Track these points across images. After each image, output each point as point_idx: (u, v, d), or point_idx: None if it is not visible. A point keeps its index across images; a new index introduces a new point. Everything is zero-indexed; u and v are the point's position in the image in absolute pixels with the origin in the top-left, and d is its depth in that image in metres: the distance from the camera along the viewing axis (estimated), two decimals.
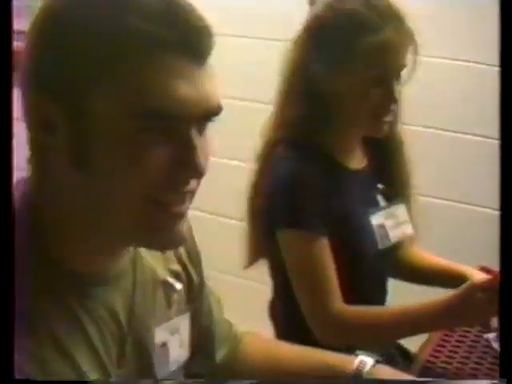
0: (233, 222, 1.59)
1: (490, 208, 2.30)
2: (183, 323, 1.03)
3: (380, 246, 1.53)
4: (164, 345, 0.97)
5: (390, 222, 1.57)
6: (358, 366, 1.09)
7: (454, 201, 2.51)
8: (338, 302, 1.45)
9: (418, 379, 1.13)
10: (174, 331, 1.00)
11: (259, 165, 1.56)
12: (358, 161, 1.60)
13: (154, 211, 0.81)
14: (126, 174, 0.78)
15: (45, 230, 0.84)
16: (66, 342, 0.82)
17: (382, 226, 1.55)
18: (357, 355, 1.12)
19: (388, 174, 1.62)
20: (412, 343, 1.61)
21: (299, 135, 1.50)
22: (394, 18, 1.42)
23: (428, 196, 2.34)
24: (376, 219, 1.54)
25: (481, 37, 2.24)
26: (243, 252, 1.64)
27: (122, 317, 0.91)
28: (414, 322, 1.42)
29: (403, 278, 1.74)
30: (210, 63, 0.81)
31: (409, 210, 1.64)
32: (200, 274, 1.10)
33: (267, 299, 1.69)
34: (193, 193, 0.85)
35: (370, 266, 1.54)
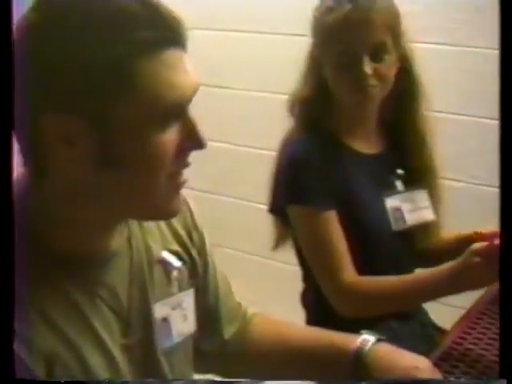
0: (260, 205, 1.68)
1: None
2: (186, 299, 1.08)
3: (394, 228, 1.58)
4: (165, 319, 1.03)
5: (407, 206, 1.62)
6: (361, 343, 1.13)
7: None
8: (349, 273, 1.51)
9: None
10: (176, 306, 1.06)
11: (279, 148, 1.66)
12: (372, 146, 1.65)
13: (169, 185, 0.91)
14: (150, 161, 0.87)
15: (42, 222, 0.90)
16: (60, 322, 0.88)
17: (397, 209, 1.60)
18: (361, 334, 1.16)
19: (409, 160, 1.66)
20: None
21: (309, 116, 1.59)
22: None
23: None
24: (391, 202, 1.59)
25: (480, 22, 2.29)
26: (271, 234, 1.74)
27: (122, 294, 0.97)
28: (423, 288, 1.49)
29: (424, 263, 1.74)
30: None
31: (431, 195, 1.67)
32: (203, 254, 1.15)
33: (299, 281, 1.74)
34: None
35: (383, 246, 1.59)
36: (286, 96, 1.66)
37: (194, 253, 1.12)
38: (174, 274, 1.06)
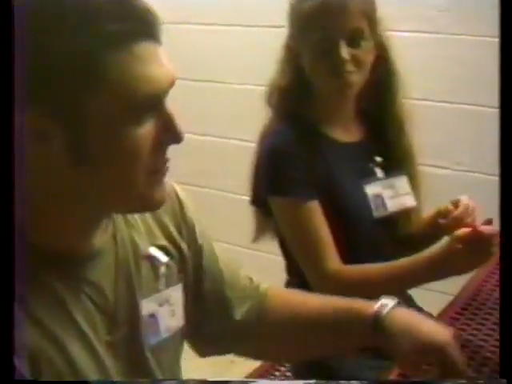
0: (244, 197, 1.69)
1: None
2: (174, 294, 1.07)
3: (375, 214, 1.59)
4: (152, 315, 1.03)
5: (388, 193, 1.63)
6: (379, 308, 1.11)
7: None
8: (333, 261, 1.52)
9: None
10: (164, 302, 1.05)
11: (258, 139, 1.65)
12: (351, 134, 1.66)
13: (149, 178, 0.90)
14: (126, 157, 0.86)
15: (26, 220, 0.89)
16: (45, 318, 0.87)
17: (378, 196, 1.60)
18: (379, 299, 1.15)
19: (387, 147, 1.67)
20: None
21: (287, 106, 1.60)
22: None
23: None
24: (371, 189, 1.60)
25: (480, 9, 2.28)
26: (252, 226, 1.73)
27: (108, 291, 0.96)
28: (407, 275, 1.50)
29: (406, 249, 1.70)
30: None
31: (411, 181, 1.68)
32: (193, 244, 1.13)
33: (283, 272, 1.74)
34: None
35: (365, 234, 1.60)
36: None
37: (184, 245, 1.11)
38: (162, 269, 1.04)
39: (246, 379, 1.47)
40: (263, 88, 1.67)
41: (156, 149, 0.89)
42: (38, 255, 0.88)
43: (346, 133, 1.65)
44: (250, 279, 1.24)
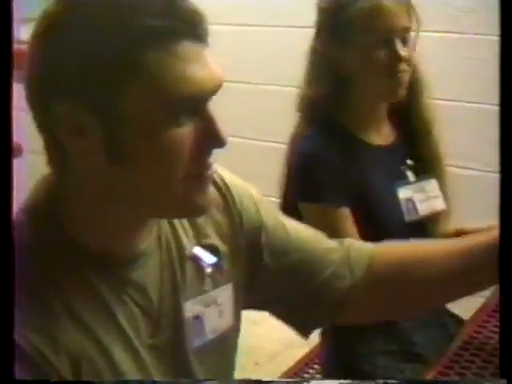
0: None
1: None
2: (223, 294, 1.04)
3: (407, 219, 1.57)
4: (197, 317, 1.00)
5: (419, 196, 1.61)
6: None
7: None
8: None
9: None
10: (210, 303, 1.02)
11: (288, 144, 1.64)
12: (383, 137, 1.64)
13: (189, 183, 0.87)
14: (162, 159, 0.84)
15: (69, 220, 0.89)
16: (87, 319, 0.86)
17: (409, 199, 1.58)
18: None
19: (417, 150, 1.65)
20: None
21: (321, 113, 1.57)
22: None
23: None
24: (403, 192, 1.58)
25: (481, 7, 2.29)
26: None
27: (153, 294, 0.95)
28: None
29: None
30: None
31: (441, 185, 1.67)
32: (257, 227, 1.08)
33: None
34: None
35: (396, 238, 1.58)
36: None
37: (241, 240, 1.07)
38: (208, 270, 1.02)
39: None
40: (290, 89, 1.66)
41: (196, 152, 0.86)
42: (82, 255, 0.88)
43: (379, 136, 1.64)
44: (359, 249, 1.16)
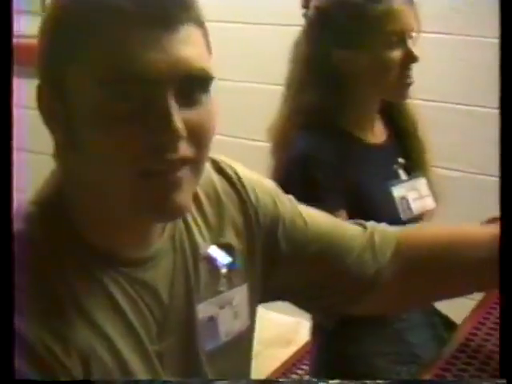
0: None
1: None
2: (238, 295, 0.99)
3: (403, 217, 1.55)
4: (211, 319, 0.96)
5: (412, 195, 1.60)
6: None
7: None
8: None
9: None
10: (225, 304, 0.98)
11: (276, 147, 1.58)
12: (377, 135, 1.62)
13: (147, 181, 0.79)
14: (108, 147, 0.77)
15: (77, 216, 0.86)
16: (98, 320, 0.83)
17: (404, 198, 1.57)
18: None
19: (406, 149, 1.65)
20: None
21: (315, 120, 1.53)
22: None
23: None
24: (398, 191, 1.57)
25: (482, 11, 2.29)
26: None
27: (164, 294, 0.91)
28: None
29: None
30: (184, 29, 0.79)
31: (429, 183, 1.66)
32: (276, 231, 1.04)
33: None
34: (188, 160, 0.81)
35: None
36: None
37: (257, 235, 1.02)
38: (223, 270, 0.97)
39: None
40: (273, 87, 1.62)
41: (151, 147, 0.78)
42: (91, 253, 0.85)
43: (373, 134, 1.62)
44: (363, 226, 1.12)
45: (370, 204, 1.52)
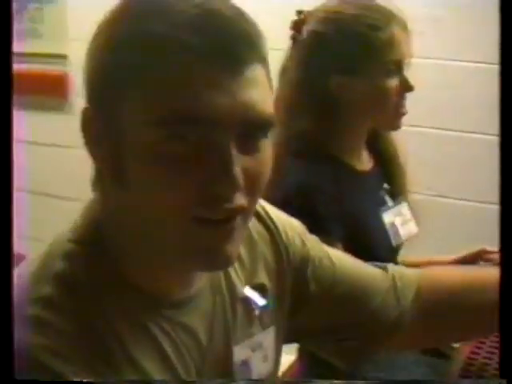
0: None
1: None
2: (268, 338, 0.97)
3: (394, 243, 1.55)
4: (245, 362, 0.94)
5: (399, 220, 1.59)
6: None
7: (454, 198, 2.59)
8: None
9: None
10: (257, 347, 0.95)
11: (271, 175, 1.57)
12: (364, 162, 1.61)
13: (198, 229, 0.75)
14: (161, 188, 0.73)
15: (120, 256, 0.82)
16: (142, 362, 0.80)
17: (393, 224, 1.56)
18: None
19: (390, 174, 1.66)
20: None
21: (310, 146, 1.51)
22: (394, 16, 1.49)
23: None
24: (387, 217, 1.56)
25: (481, 37, 2.32)
26: None
27: (202, 336, 0.88)
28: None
29: None
30: (250, 69, 0.75)
31: (410, 208, 1.66)
32: (305, 272, 1.02)
33: None
34: (243, 210, 0.77)
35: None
36: None
37: (288, 274, 1.00)
38: (256, 312, 0.94)
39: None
40: None
41: (206, 195, 0.74)
42: (137, 296, 0.82)
43: (361, 161, 1.61)
44: (383, 268, 1.12)
45: (365, 232, 1.51)
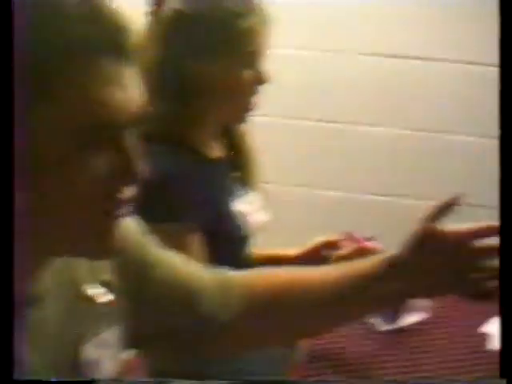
0: None
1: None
2: (113, 336, 0.95)
3: (242, 233, 1.54)
4: (94, 361, 0.91)
5: (248, 209, 1.58)
6: None
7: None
8: None
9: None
10: (104, 345, 0.93)
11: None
12: (216, 149, 1.58)
13: (98, 220, 0.77)
14: (70, 192, 0.74)
15: None
16: None
17: (242, 213, 1.55)
18: None
19: (240, 163, 1.64)
20: None
21: (163, 132, 1.46)
22: (256, 7, 1.46)
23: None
24: (239, 206, 1.54)
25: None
26: None
27: (52, 332, 0.85)
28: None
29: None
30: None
31: (260, 197, 1.66)
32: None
33: None
34: (127, 201, 0.80)
35: (238, 254, 1.54)
36: None
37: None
38: (102, 309, 0.92)
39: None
40: None
41: (111, 190, 0.77)
42: None
43: (213, 149, 1.57)
44: (214, 272, 1.11)
45: (218, 220, 1.49)
